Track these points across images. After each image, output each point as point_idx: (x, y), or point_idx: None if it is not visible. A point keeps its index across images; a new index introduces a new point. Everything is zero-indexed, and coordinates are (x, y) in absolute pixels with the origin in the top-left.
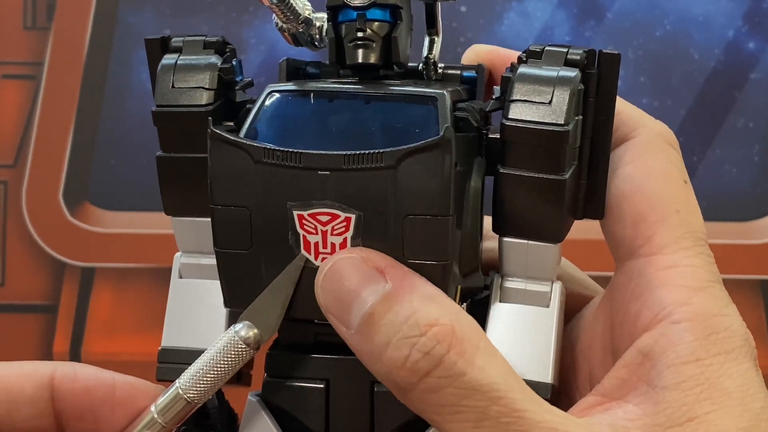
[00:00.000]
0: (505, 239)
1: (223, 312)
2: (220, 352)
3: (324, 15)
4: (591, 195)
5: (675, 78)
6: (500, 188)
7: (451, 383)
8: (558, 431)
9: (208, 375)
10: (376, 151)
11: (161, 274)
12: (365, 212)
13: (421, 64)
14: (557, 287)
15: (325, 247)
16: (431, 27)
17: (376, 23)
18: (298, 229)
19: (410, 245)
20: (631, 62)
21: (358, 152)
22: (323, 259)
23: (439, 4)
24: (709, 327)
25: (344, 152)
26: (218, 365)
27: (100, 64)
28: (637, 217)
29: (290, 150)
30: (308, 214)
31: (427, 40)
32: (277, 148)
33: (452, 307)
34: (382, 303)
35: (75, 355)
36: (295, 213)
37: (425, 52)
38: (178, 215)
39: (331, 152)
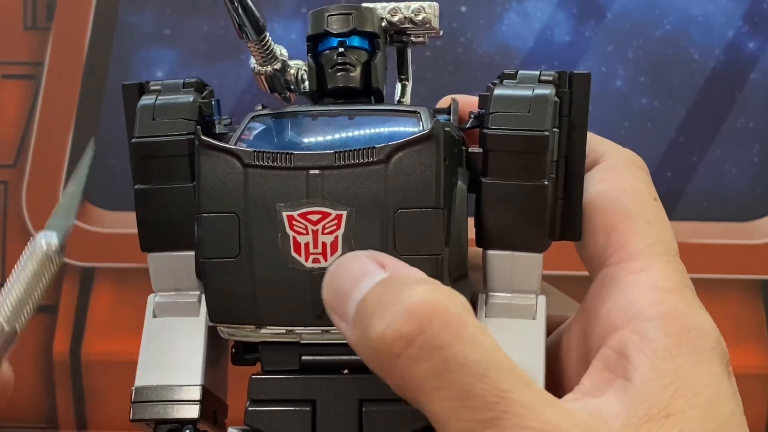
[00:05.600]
0: (490, 252)
1: (199, 347)
2: (24, 266)
3: (299, 62)
4: (567, 216)
5: (675, 78)
6: (483, 199)
7: (434, 356)
8: (543, 414)
9: (14, 290)
10: (367, 147)
11: None
12: (356, 209)
13: None
14: (542, 300)
15: (315, 247)
16: (402, 73)
17: (356, 50)
18: (288, 231)
19: (402, 240)
20: (631, 62)
21: (348, 149)
22: (314, 260)
23: (409, 50)
24: (680, 326)
25: (335, 150)
26: (22, 276)
27: (100, 64)
28: (609, 228)
29: (279, 151)
30: (298, 214)
31: (399, 85)
32: (266, 150)
33: (443, 288)
34: (375, 288)
35: (75, 355)
36: (285, 214)
37: (397, 97)
38: (156, 250)
39: (321, 151)
